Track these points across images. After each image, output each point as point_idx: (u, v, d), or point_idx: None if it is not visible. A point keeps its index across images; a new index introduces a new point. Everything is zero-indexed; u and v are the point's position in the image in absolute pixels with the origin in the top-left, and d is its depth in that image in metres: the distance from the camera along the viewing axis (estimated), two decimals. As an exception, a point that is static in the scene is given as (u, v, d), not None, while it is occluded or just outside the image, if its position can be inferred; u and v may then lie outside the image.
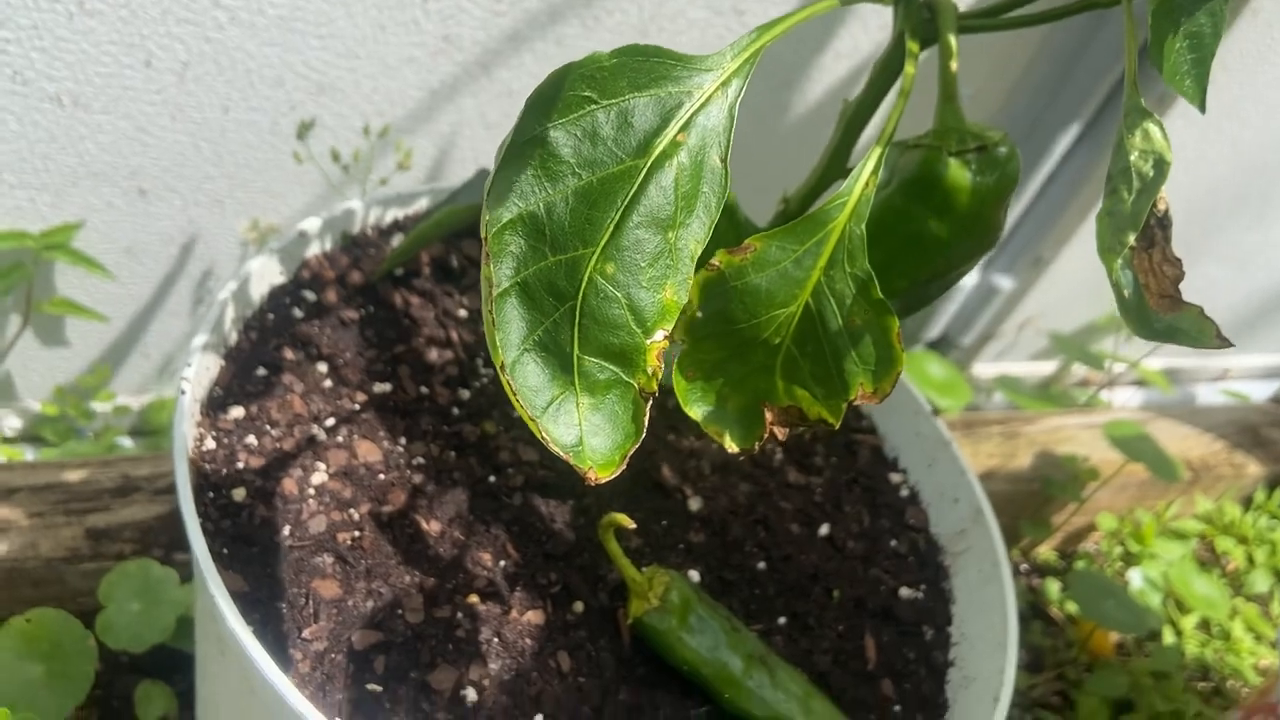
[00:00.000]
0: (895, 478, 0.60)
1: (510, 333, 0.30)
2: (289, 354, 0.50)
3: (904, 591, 0.54)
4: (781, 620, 0.51)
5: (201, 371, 0.47)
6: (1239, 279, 1.26)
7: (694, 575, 0.51)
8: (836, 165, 0.42)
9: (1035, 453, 1.01)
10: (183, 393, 0.44)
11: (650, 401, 0.31)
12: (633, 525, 0.45)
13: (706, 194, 0.30)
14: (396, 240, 0.59)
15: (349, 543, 0.46)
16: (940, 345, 1.15)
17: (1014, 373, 1.27)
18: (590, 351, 0.30)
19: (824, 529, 0.56)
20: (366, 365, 0.52)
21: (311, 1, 0.66)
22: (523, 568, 0.48)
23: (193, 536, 0.40)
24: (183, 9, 0.64)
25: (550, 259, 0.30)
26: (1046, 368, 1.32)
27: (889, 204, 0.40)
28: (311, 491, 0.47)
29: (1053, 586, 1.00)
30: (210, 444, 0.46)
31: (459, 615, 0.46)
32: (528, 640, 0.46)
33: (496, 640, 0.45)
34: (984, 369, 1.26)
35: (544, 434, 0.30)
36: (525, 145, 0.29)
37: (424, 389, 0.53)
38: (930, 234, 0.39)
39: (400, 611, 0.45)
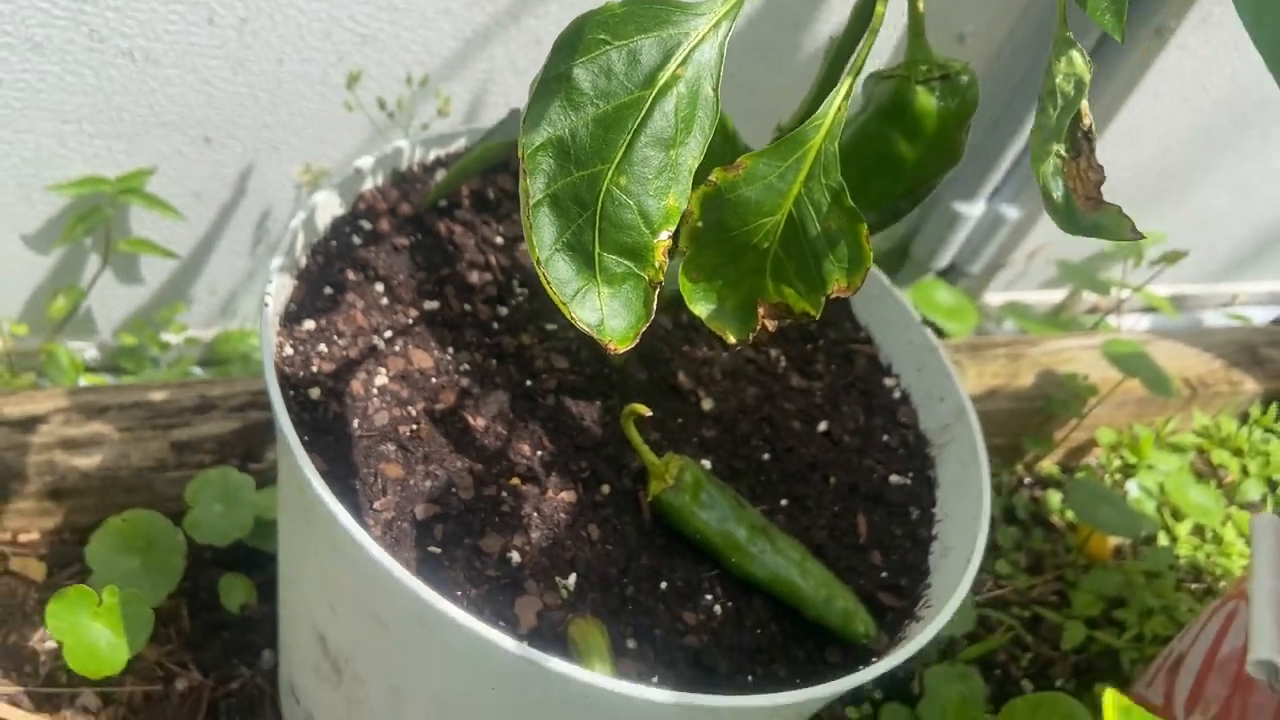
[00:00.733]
0: (889, 382, 0.67)
1: (544, 235, 0.37)
2: (350, 275, 0.58)
3: (894, 478, 0.61)
4: (783, 502, 0.59)
5: (280, 289, 0.54)
6: (1242, 208, 1.30)
7: (706, 464, 0.58)
8: (821, 95, 0.48)
9: (1038, 373, 1.07)
10: (266, 305, 0.51)
11: (658, 290, 0.38)
12: (649, 413, 0.52)
13: (701, 117, 0.37)
14: (439, 176, 0.66)
15: (408, 434, 0.53)
16: (949, 274, 1.20)
17: (1024, 301, 1.33)
18: (609, 249, 0.37)
19: (823, 425, 0.63)
20: (417, 286, 0.60)
21: (355, -40, 0.73)
22: (556, 457, 0.56)
23: (282, 420, 0.48)
24: (241, -30, 0.71)
25: (575, 175, 0.37)
26: (1056, 296, 1.37)
27: (865, 129, 0.46)
28: (375, 391, 0.54)
29: (1054, 497, 1.07)
30: (289, 350, 0.54)
31: (503, 494, 0.53)
32: (562, 515, 0.54)
33: (535, 515, 0.53)
34: (995, 298, 1.32)
35: (573, 316, 0.37)
36: (552, 81, 0.36)
37: (467, 306, 0.60)
38: (901, 153, 0.46)
39: (454, 490, 0.52)
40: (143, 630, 0.63)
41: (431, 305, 0.59)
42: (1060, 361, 1.08)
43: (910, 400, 0.66)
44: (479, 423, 0.56)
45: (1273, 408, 1.17)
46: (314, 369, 0.54)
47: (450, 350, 0.58)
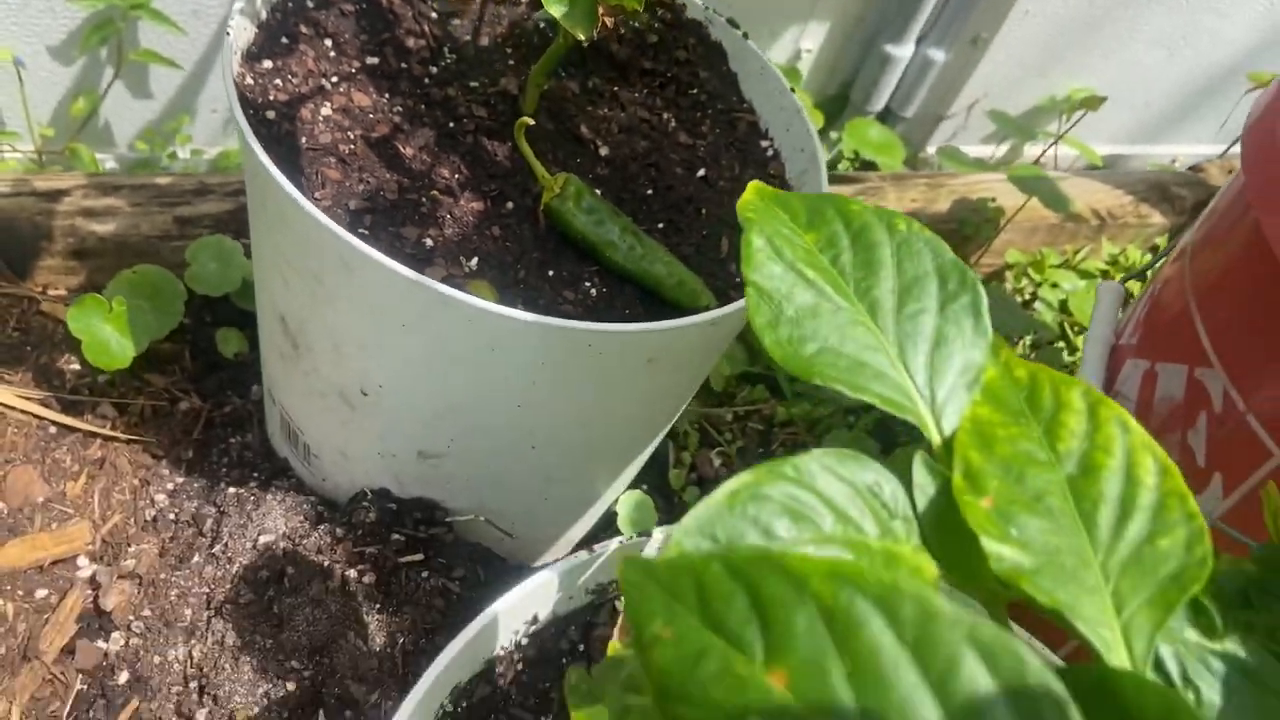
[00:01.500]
0: (764, 144, 0.79)
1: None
2: (303, 29, 0.70)
3: (757, 212, 0.74)
4: (660, 225, 0.71)
5: (240, 31, 0.67)
6: (1171, 65, 1.38)
7: (597, 194, 0.71)
8: None
9: (955, 200, 1.18)
10: (228, 34, 0.64)
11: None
12: (533, 123, 0.65)
13: None
14: (387, -32, 0.78)
15: (347, 151, 0.67)
16: (886, 117, 1.31)
17: (967, 153, 1.43)
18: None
19: (702, 172, 0.75)
20: (360, 45, 0.72)
21: None
22: (470, 179, 0.69)
23: (239, 117, 0.61)
24: None
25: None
26: (999, 151, 1.47)
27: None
28: (321, 118, 0.67)
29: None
30: (249, 80, 0.67)
31: (423, 200, 0.66)
32: (470, 218, 0.67)
33: (448, 216, 0.66)
34: (937, 150, 1.42)
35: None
36: None
37: (403, 64, 0.73)
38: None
39: (382, 193, 0.66)
40: (145, 335, 0.77)
41: (372, 61, 0.72)
42: (976, 192, 1.19)
43: (780, 157, 0.78)
44: (407, 150, 0.69)
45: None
46: (270, 97, 0.67)
47: (386, 96, 0.71)
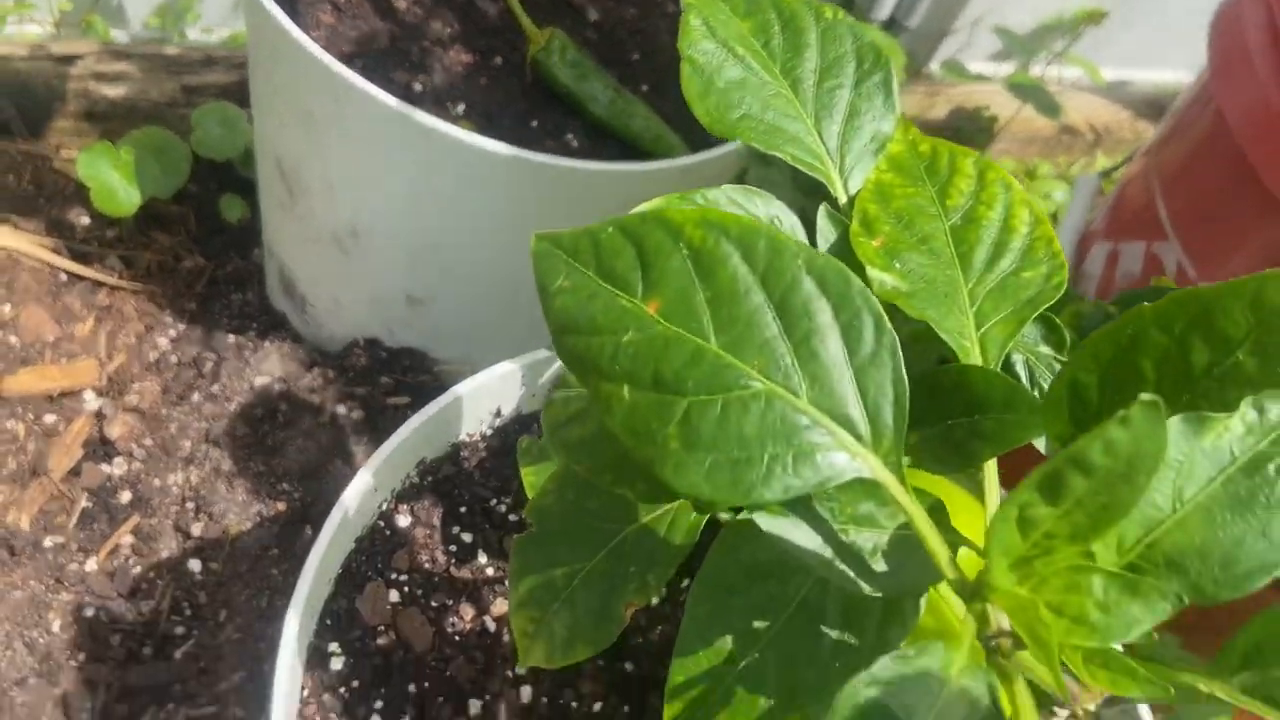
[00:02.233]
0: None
1: None
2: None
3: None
4: (644, 87, 0.74)
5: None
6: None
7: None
8: None
9: (952, 108, 1.19)
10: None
11: None
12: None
13: None
14: None
15: (342, 1, 0.69)
16: (891, 26, 1.32)
17: (970, 69, 1.44)
18: None
19: (687, 40, 0.77)
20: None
21: None
22: (461, 34, 0.72)
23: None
24: None
25: None
26: (1003, 70, 1.48)
27: None
28: (319, -31, 0.70)
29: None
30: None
31: (414, 49, 0.69)
32: (459, 69, 0.70)
33: (438, 65, 0.69)
34: (940, 64, 1.43)
35: None
36: None
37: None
38: None
39: (374, 40, 0.68)
40: (150, 188, 0.81)
41: (371, -80, 0.74)
42: (973, 101, 1.20)
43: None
44: (400, 3, 0.71)
45: (1174, 157, 1.28)
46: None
47: (384, -46, 0.73)
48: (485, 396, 0.51)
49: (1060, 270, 0.32)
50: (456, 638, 0.47)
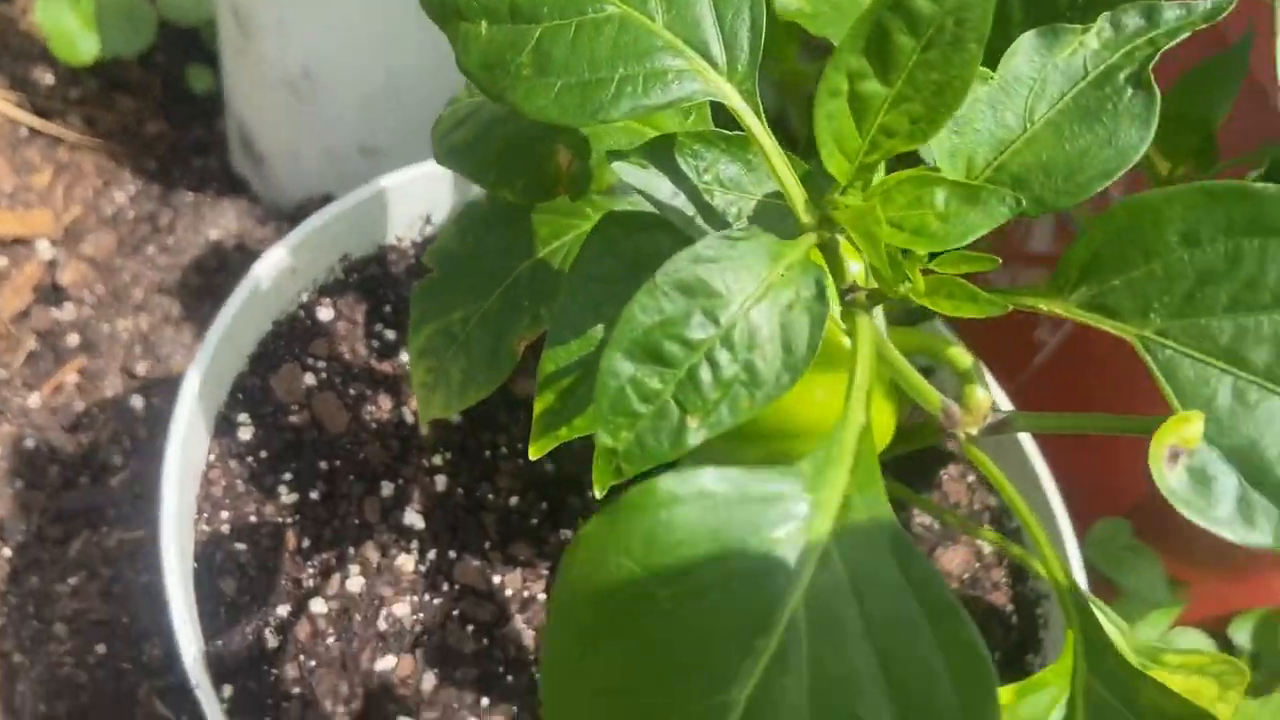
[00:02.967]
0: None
1: None
2: None
3: None
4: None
5: None
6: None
7: None
8: None
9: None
10: None
11: None
12: None
13: None
14: None
15: None
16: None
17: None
18: None
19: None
20: None
21: None
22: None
23: None
24: None
25: None
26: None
27: None
28: None
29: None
30: None
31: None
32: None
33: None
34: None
35: None
36: None
37: None
38: None
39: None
40: (113, 42, 0.81)
41: None
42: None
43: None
44: None
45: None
46: None
47: None
48: (415, 199, 0.51)
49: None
50: (373, 425, 0.47)
